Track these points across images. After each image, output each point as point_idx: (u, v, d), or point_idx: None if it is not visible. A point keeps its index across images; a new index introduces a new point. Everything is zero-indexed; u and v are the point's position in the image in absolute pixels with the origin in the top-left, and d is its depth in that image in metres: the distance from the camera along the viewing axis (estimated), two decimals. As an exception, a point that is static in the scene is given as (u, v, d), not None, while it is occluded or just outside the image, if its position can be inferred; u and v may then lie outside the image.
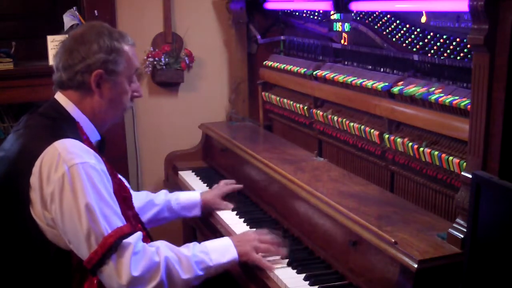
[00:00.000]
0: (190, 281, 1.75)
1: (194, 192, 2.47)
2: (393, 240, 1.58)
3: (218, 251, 1.83)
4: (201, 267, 1.77)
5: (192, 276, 1.74)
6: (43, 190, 1.64)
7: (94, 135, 1.85)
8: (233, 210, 2.39)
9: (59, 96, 1.82)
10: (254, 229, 2.07)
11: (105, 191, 1.67)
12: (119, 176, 1.92)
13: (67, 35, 1.89)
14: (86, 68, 1.76)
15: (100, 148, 1.86)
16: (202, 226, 2.49)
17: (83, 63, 1.76)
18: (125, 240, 1.63)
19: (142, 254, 1.66)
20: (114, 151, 3.03)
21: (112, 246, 1.61)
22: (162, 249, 1.72)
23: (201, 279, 1.80)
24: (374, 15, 2.29)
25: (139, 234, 1.69)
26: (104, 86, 1.80)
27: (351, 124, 2.25)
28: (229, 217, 2.33)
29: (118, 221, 1.66)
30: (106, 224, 1.62)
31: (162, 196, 2.34)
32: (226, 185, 2.50)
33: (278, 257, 1.90)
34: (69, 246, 1.66)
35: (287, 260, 1.89)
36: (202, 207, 2.38)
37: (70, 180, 1.62)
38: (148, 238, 1.94)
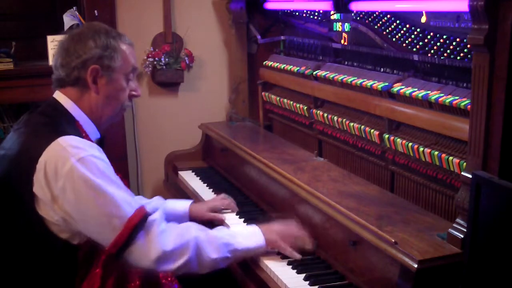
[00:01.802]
0: (217, 262, 1.79)
1: (184, 201, 2.33)
2: (393, 240, 1.58)
3: (245, 236, 1.88)
4: (229, 249, 1.81)
5: (220, 256, 1.78)
6: (52, 186, 1.64)
7: (94, 133, 1.85)
8: (232, 210, 2.39)
9: (58, 95, 1.83)
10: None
11: (116, 178, 1.71)
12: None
13: (66, 35, 1.89)
14: (82, 63, 1.78)
15: (100, 146, 1.87)
16: (202, 225, 2.49)
17: (79, 59, 1.78)
18: (150, 218, 1.69)
19: (171, 231, 1.72)
20: (114, 151, 3.03)
21: (137, 225, 1.65)
22: (193, 228, 1.78)
23: (229, 261, 1.83)
24: (374, 15, 2.29)
25: (162, 212, 1.75)
26: (100, 82, 1.81)
27: (351, 124, 2.25)
28: (229, 217, 2.32)
29: (137, 203, 1.71)
30: (127, 206, 1.66)
31: (154, 204, 2.22)
32: (222, 200, 2.37)
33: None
34: (86, 236, 1.68)
35: (286, 260, 1.89)
36: (190, 218, 2.25)
37: (81, 172, 1.63)
38: None
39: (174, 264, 1.71)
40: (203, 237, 1.77)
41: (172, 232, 1.73)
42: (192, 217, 2.25)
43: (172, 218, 2.17)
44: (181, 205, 2.29)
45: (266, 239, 1.90)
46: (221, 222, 2.24)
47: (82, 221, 1.66)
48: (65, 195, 1.64)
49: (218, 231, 1.86)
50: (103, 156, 1.73)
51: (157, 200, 2.29)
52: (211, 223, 2.32)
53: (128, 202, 1.68)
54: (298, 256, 1.90)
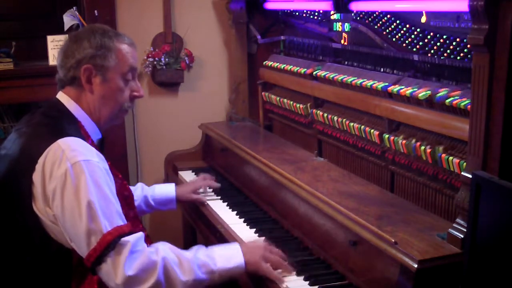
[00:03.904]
0: (191, 284, 1.71)
1: (169, 185, 2.48)
2: (393, 240, 1.58)
3: (224, 256, 1.79)
4: (204, 271, 1.73)
5: (192, 278, 1.71)
6: (46, 186, 1.65)
7: (95, 134, 1.86)
8: (233, 210, 2.40)
9: (60, 95, 1.85)
10: (264, 238, 2.01)
11: (107, 189, 1.67)
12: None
13: (66, 36, 1.91)
14: (77, 63, 1.80)
15: (100, 147, 1.87)
16: (202, 226, 2.49)
17: (74, 58, 1.80)
18: (123, 239, 1.63)
19: (139, 253, 1.65)
20: (114, 151, 3.04)
21: (110, 244, 1.60)
22: (161, 249, 1.71)
23: (205, 283, 1.76)
24: (374, 15, 2.29)
25: (140, 235, 1.69)
26: (94, 82, 1.81)
27: (351, 124, 2.25)
28: (229, 217, 2.33)
29: (119, 220, 1.66)
30: (106, 222, 1.62)
31: (139, 191, 2.37)
32: (203, 179, 2.58)
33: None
34: (70, 243, 1.67)
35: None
36: (177, 202, 2.45)
37: (73, 177, 1.62)
38: (148, 238, 1.94)
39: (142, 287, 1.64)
40: (173, 259, 1.69)
41: (141, 256, 1.64)
42: (178, 199, 2.45)
43: (161, 202, 2.39)
44: (168, 189, 2.45)
45: (246, 260, 1.80)
46: (202, 203, 2.47)
47: (64, 228, 1.65)
48: (55, 197, 1.64)
49: (193, 252, 1.77)
50: (103, 163, 1.72)
51: (141, 187, 2.40)
52: (211, 224, 2.32)
53: (109, 217, 1.63)
54: (282, 279, 1.78)
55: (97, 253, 1.60)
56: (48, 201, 1.65)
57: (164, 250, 1.71)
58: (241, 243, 1.93)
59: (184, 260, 1.72)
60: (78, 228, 1.62)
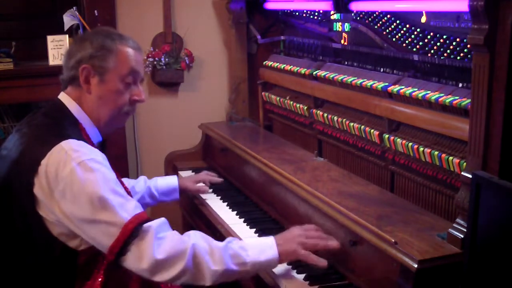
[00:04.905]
0: (221, 274, 1.68)
1: (172, 177, 2.52)
2: (393, 240, 1.58)
3: (257, 248, 1.75)
4: (235, 262, 1.70)
5: (222, 268, 1.67)
6: (53, 188, 1.64)
7: (95, 136, 1.86)
8: (233, 210, 2.40)
9: (62, 96, 1.86)
10: (298, 226, 1.91)
11: (116, 184, 1.69)
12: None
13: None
14: (77, 63, 1.81)
15: (101, 150, 1.86)
16: (202, 226, 2.49)
17: (74, 58, 1.81)
18: (145, 224, 1.64)
19: (168, 237, 1.66)
20: (114, 151, 3.03)
21: (133, 232, 1.62)
22: (193, 236, 1.70)
23: (236, 274, 1.72)
24: (374, 15, 2.28)
25: (163, 220, 1.71)
26: (92, 82, 1.82)
27: (351, 124, 2.25)
28: (229, 217, 2.33)
29: (137, 209, 1.68)
30: (124, 212, 1.64)
31: (142, 183, 2.39)
32: (206, 175, 2.63)
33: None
34: (84, 241, 1.67)
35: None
36: (180, 191, 2.48)
37: (80, 176, 1.63)
38: None
39: (169, 273, 1.64)
40: (204, 246, 1.68)
41: (169, 240, 1.66)
42: (182, 188, 2.48)
43: (165, 192, 2.43)
44: (171, 180, 2.48)
45: (281, 251, 1.75)
46: (204, 192, 2.56)
47: (80, 226, 1.65)
48: (65, 199, 1.63)
49: (228, 242, 1.74)
50: (105, 161, 1.73)
51: (144, 179, 2.43)
52: (211, 224, 2.32)
53: (125, 208, 1.65)
54: (324, 262, 1.76)
55: (121, 243, 1.61)
56: (58, 203, 1.64)
57: (195, 237, 1.71)
58: (276, 234, 1.86)
59: (215, 249, 1.70)
60: (96, 224, 1.62)
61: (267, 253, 1.75)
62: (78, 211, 1.63)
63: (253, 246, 1.76)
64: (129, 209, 1.66)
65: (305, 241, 1.79)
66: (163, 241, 1.65)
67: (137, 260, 1.62)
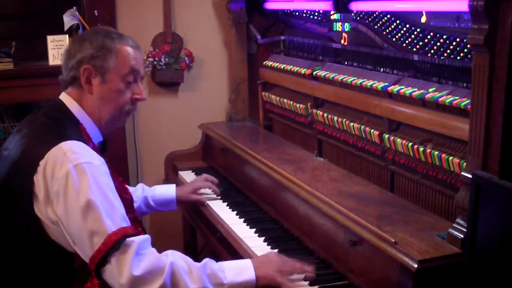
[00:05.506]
0: None
1: (169, 186, 2.47)
2: (393, 240, 1.58)
3: (234, 270, 1.73)
4: (213, 282, 1.68)
5: (200, 287, 1.65)
6: (48, 188, 1.64)
7: (96, 136, 1.86)
8: (233, 210, 2.40)
9: (63, 96, 1.86)
10: (276, 251, 1.94)
11: (109, 190, 1.67)
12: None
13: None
14: (77, 63, 1.81)
15: (101, 150, 1.87)
16: (202, 226, 2.49)
17: (75, 59, 1.81)
18: (128, 239, 1.61)
19: (147, 254, 1.63)
20: (114, 151, 3.03)
21: (115, 244, 1.59)
22: (171, 255, 1.68)
23: None
24: (374, 15, 2.28)
25: (146, 237, 1.67)
26: (93, 83, 1.82)
27: (351, 124, 2.25)
28: (229, 217, 2.33)
29: (123, 222, 1.65)
30: (110, 223, 1.61)
31: (140, 192, 2.37)
32: (205, 180, 2.56)
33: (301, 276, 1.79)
34: (73, 247, 1.66)
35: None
36: (177, 202, 2.45)
37: (75, 179, 1.62)
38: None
39: None
40: (182, 265, 1.66)
41: (147, 257, 1.62)
42: (178, 200, 2.44)
43: (161, 203, 2.39)
44: (168, 190, 2.44)
45: (259, 275, 1.73)
46: (202, 204, 2.46)
47: (67, 230, 1.64)
48: (58, 200, 1.63)
49: (206, 262, 1.72)
50: (103, 166, 1.71)
51: (142, 188, 2.40)
52: (211, 224, 2.32)
53: (112, 217, 1.62)
54: None
55: (102, 254, 1.58)
56: (52, 203, 1.64)
57: (174, 256, 1.68)
58: (252, 257, 1.88)
59: (193, 268, 1.68)
60: (81, 229, 1.60)
61: (244, 275, 1.73)
62: (67, 213, 1.62)
63: (231, 267, 1.74)
64: (116, 219, 1.63)
65: (283, 269, 1.77)
66: (142, 258, 1.61)
67: (116, 274, 1.59)
